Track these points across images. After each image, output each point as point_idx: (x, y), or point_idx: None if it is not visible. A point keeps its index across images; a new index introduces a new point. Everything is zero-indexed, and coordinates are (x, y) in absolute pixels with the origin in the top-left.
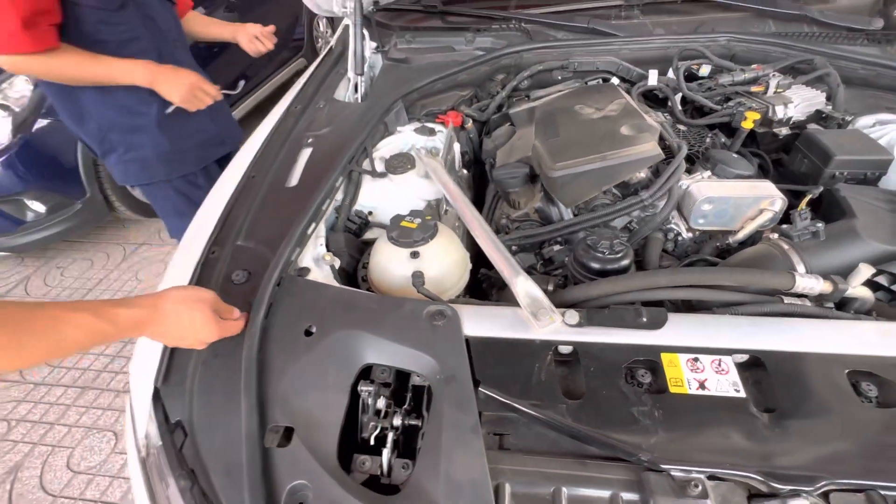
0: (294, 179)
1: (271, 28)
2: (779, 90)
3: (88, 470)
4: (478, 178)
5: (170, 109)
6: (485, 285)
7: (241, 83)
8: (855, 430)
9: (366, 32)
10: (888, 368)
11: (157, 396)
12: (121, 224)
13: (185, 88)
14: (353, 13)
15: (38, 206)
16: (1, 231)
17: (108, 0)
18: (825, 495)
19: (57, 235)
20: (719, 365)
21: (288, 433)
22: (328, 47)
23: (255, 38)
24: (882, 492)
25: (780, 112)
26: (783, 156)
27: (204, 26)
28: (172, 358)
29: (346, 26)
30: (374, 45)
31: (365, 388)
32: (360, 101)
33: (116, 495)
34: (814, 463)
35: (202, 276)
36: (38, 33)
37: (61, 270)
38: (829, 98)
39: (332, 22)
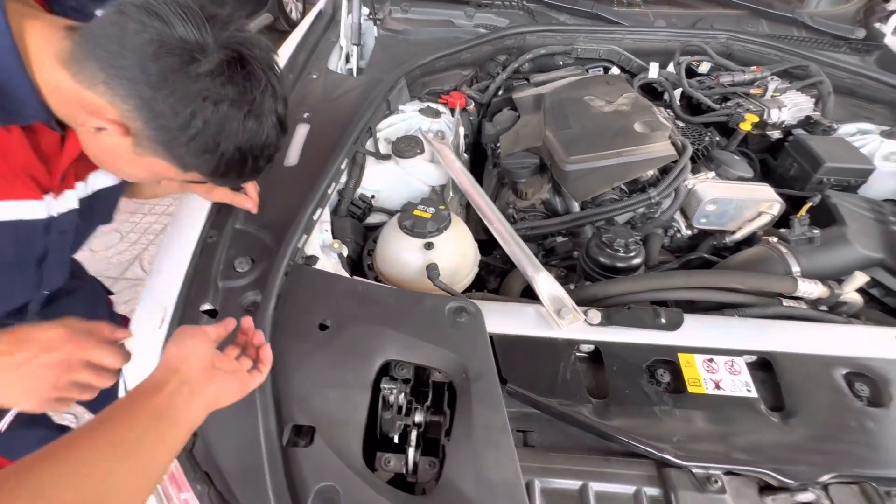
0: (293, 158)
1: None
2: (775, 94)
3: None
4: (472, 163)
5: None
6: (482, 272)
7: None
8: (850, 428)
9: None
10: (878, 370)
11: None
12: None
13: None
14: None
15: None
16: None
17: None
18: (825, 487)
19: None
20: (732, 366)
21: (309, 432)
22: (316, 10)
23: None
24: (873, 483)
25: (775, 115)
26: (766, 156)
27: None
28: None
29: None
30: (366, 11)
31: (388, 386)
32: (354, 72)
33: None
34: (817, 458)
35: (201, 264)
36: None
37: None
38: (816, 103)
39: None
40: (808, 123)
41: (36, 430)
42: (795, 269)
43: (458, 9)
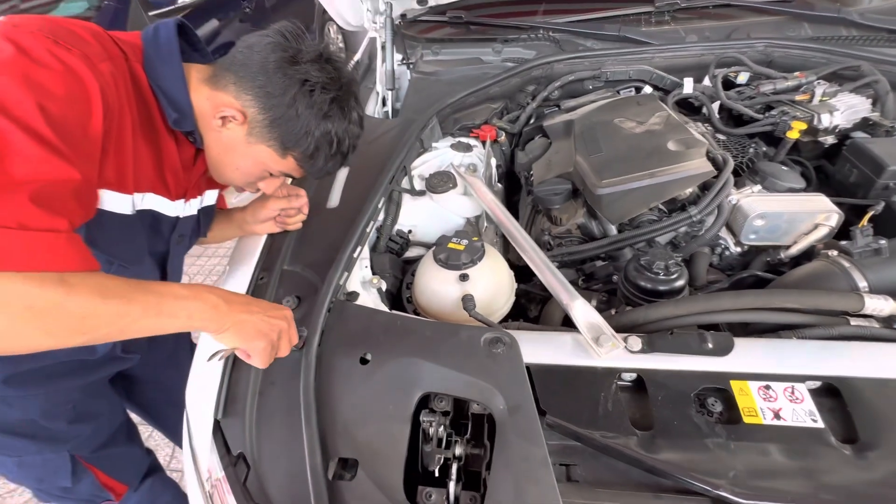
0: (334, 200)
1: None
2: (824, 98)
3: None
4: (508, 192)
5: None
6: (523, 301)
7: None
8: None
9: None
10: None
11: (217, 429)
12: None
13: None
14: (385, 28)
15: None
16: None
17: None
18: None
19: None
20: (793, 393)
21: (352, 465)
22: (353, 61)
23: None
24: None
25: (826, 120)
26: (824, 163)
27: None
28: (230, 388)
29: (372, 39)
30: (399, 57)
31: (428, 419)
32: (389, 115)
33: None
34: None
35: None
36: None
37: None
38: (873, 104)
39: (344, 30)
40: (866, 125)
41: (132, 446)
42: (861, 284)
43: (486, 46)
